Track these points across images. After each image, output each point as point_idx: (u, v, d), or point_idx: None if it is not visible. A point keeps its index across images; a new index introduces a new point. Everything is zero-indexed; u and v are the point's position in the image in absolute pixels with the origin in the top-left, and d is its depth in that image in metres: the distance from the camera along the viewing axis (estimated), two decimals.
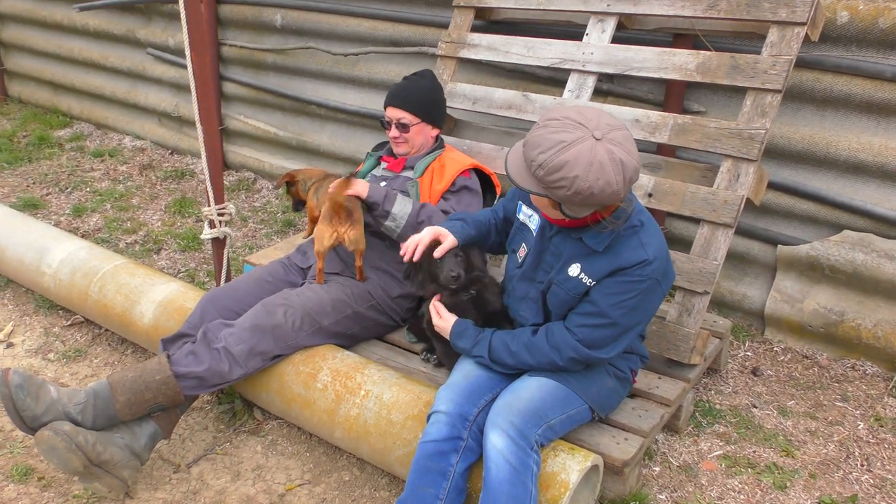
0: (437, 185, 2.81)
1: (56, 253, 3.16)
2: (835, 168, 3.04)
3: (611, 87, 3.45)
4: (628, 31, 3.22)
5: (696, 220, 2.70)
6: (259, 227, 4.36)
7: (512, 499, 1.91)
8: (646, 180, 2.80)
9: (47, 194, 4.73)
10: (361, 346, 2.75)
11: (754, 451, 2.59)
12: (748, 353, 3.17)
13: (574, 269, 2.09)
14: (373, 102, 4.33)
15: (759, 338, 3.27)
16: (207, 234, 2.98)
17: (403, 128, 2.85)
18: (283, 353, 2.50)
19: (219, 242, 3.05)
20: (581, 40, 3.08)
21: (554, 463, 2.06)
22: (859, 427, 2.73)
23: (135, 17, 5.48)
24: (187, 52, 2.70)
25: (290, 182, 2.94)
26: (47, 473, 2.42)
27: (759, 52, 2.67)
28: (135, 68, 5.60)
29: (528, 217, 2.26)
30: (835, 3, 2.85)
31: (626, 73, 2.94)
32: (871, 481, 2.47)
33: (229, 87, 5.02)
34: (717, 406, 2.82)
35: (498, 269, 3.10)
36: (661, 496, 2.39)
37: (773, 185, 3.11)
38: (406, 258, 2.29)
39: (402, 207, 2.63)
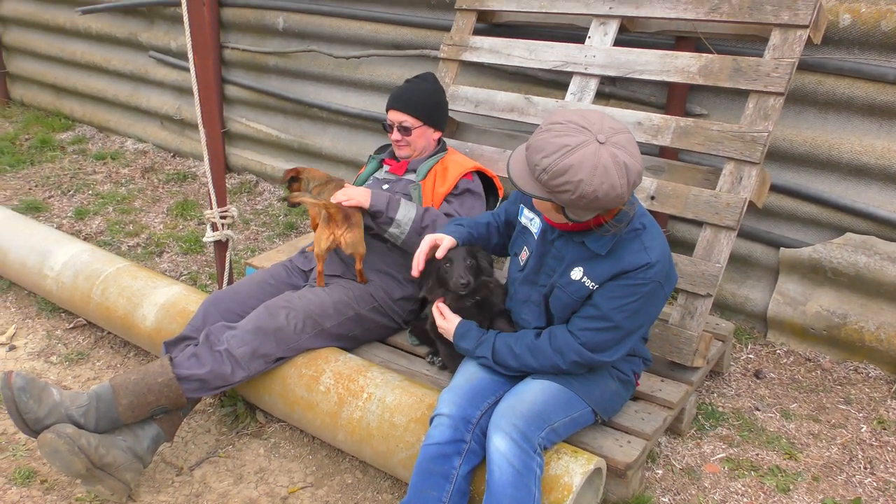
0: (440, 188, 2.81)
1: (58, 256, 3.16)
2: (837, 171, 3.04)
3: (613, 90, 3.45)
4: (630, 34, 3.22)
5: (699, 223, 2.71)
6: (261, 229, 4.36)
7: (515, 501, 1.90)
8: (648, 183, 2.80)
9: (49, 197, 4.74)
10: (364, 348, 2.75)
11: (757, 454, 2.59)
12: (751, 356, 3.17)
13: (577, 273, 2.08)
14: (375, 105, 4.33)
15: (762, 340, 3.27)
16: (210, 236, 2.98)
17: (405, 131, 2.85)
18: (286, 355, 2.50)
19: (221, 245, 3.05)
20: (583, 43, 3.08)
21: (557, 466, 2.06)
22: (862, 430, 2.72)
23: (137, 21, 5.49)
24: (190, 56, 2.71)
25: (295, 178, 2.90)
26: (50, 476, 2.42)
27: (761, 55, 2.68)
28: (137, 71, 5.61)
29: (530, 220, 2.26)
30: (837, 6, 2.86)
31: (628, 76, 2.94)
32: (875, 484, 2.46)
33: (231, 90, 5.03)
34: (720, 409, 2.82)
35: (500, 271, 3.10)
36: (663, 499, 2.39)
37: (775, 188, 3.11)
38: (414, 274, 2.30)
39: (405, 213, 2.63)
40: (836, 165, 3.03)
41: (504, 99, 3.25)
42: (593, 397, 2.19)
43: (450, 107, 3.16)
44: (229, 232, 3.01)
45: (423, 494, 2.00)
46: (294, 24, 4.52)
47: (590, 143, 1.84)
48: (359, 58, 4.26)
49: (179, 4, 2.66)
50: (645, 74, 2.90)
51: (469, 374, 2.21)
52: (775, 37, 2.65)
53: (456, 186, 2.82)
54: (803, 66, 2.93)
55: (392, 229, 2.63)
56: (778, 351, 3.20)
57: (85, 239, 4.11)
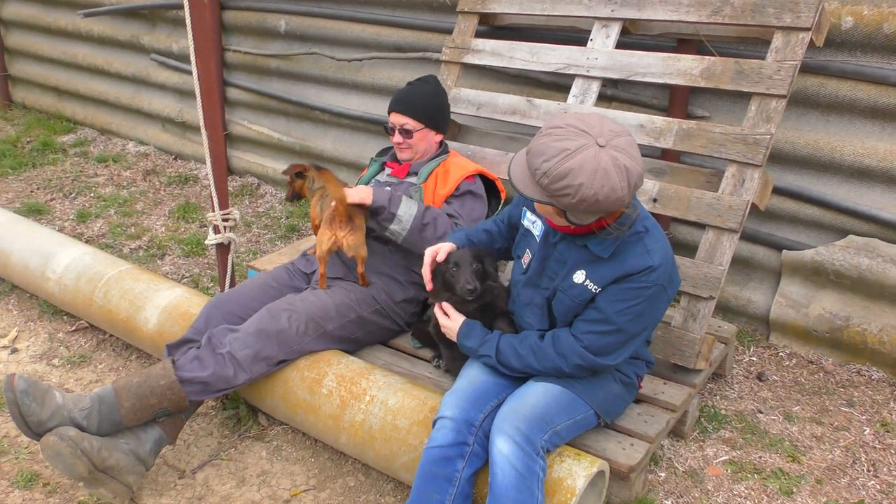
0: (441, 190, 2.81)
1: (61, 258, 3.16)
2: (840, 173, 3.04)
3: (615, 93, 3.45)
4: (632, 37, 3.22)
5: (701, 226, 2.70)
6: (263, 232, 4.36)
7: None
8: (651, 185, 2.80)
9: (51, 200, 4.74)
10: (366, 351, 2.75)
11: (760, 457, 2.58)
12: (753, 359, 3.16)
13: (579, 276, 2.08)
14: (376, 108, 4.33)
15: (764, 343, 3.27)
16: (212, 239, 2.98)
17: (407, 134, 2.85)
18: (288, 358, 2.50)
19: (223, 248, 3.05)
20: (585, 46, 3.08)
21: (560, 468, 2.06)
22: (865, 432, 2.72)
23: (139, 24, 5.50)
24: (192, 58, 2.71)
25: (300, 174, 2.84)
26: (52, 479, 2.42)
27: (763, 58, 2.68)
28: (139, 74, 5.62)
29: (532, 223, 2.26)
30: (839, 9, 2.86)
31: (630, 79, 2.94)
32: (878, 487, 2.46)
33: (233, 93, 5.03)
34: (723, 411, 2.81)
35: (502, 273, 3.10)
36: (666, 502, 2.38)
37: (777, 190, 3.11)
38: (428, 288, 2.34)
39: (407, 209, 2.62)
40: (838, 168, 3.03)
41: (506, 101, 3.25)
42: (596, 400, 2.18)
43: (452, 109, 3.16)
44: (231, 235, 3.01)
45: (426, 497, 2.00)
46: (296, 26, 4.52)
47: (590, 147, 1.84)
48: (360, 60, 4.26)
49: (181, 7, 2.66)
50: (647, 77, 2.90)
51: (472, 377, 2.21)
52: (777, 39, 2.66)
53: (457, 188, 2.82)
54: (805, 69, 2.93)
55: (393, 226, 2.63)
56: (780, 353, 3.19)
57: (87, 242, 4.11)
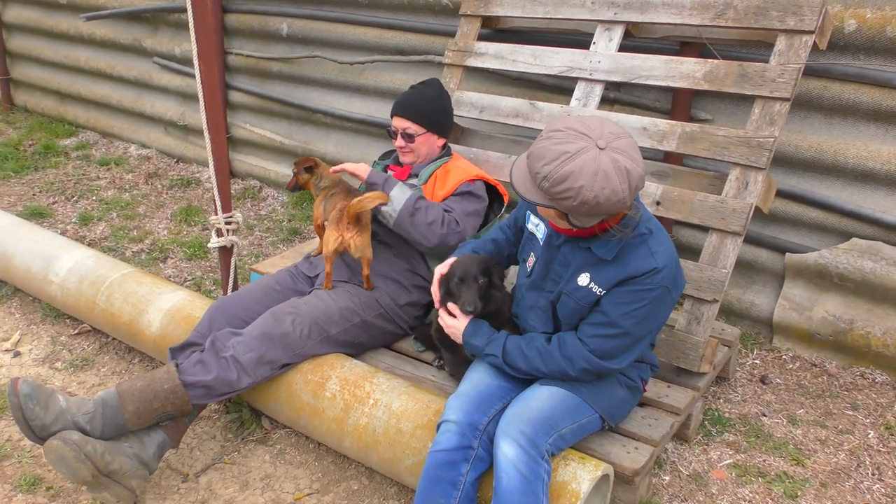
0: (440, 191, 2.81)
1: (63, 262, 3.16)
2: (843, 176, 3.04)
3: (618, 96, 3.45)
4: (635, 40, 3.22)
5: (705, 229, 2.70)
6: (265, 235, 4.36)
7: None
8: (654, 188, 2.79)
9: (53, 203, 4.74)
10: (369, 354, 2.75)
11: (764, 460, 2.58)
12: (756, 362, 3.16)
13: (583, 279, 2.08)
14: (379, 111, 4.33)
15: (768, 346, 3.26)
16: (215, 242, 2.98)
17: (409, 138, 2.85)
18: (292, 361, 2.50)
19: (226, 251, 3.04)
20: (588, 49, 3.08)
21: (564, 472, 2.05)
22: (869, 436, 2.71)
23: (141, 27, 5.51)
24: (195, 62, 2.71)
25: (309, 169, 2.84)
26: (55, 483, 2.41)
27: (767, 61, 2.67)
28: (141, 77, 5.62)
29: (536, 226, 2.26)
30: (842, 12, 2.86)
31: (633, 82, 2.94)
32: (883, 490, 2.45)
33: (235, 96, 5.04)
34: (727, 415, 2.81)
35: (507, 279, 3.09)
36: None
37: (781, 193, 3.11)
38: (437, 306, 2.34)
39: (399, 193, 2.64)
40: (841, 170, 3.03)
41: (509, 104, 3.25)
42: (601, 404, 2.18)
43: (454, 112, 3.16)
44: (234, 238, 3.01)
45: (431, 501, 1.99)
46: (298, 29, 4.53)
47: (590, 149, 1.84)
48: (363, 63, 4.27)
49: (184, 11, 2.67)
50: (650, 80, 2.90)
51: (476, 380, 2.21)
52: (781, 42, 2.65)
53: (456, 189, 2.81)
54: (809, 72, 2.93)
55: (385, 207, 2.63)
56: (784, 356, 3.19)
57: (89, 245, 4.11)
